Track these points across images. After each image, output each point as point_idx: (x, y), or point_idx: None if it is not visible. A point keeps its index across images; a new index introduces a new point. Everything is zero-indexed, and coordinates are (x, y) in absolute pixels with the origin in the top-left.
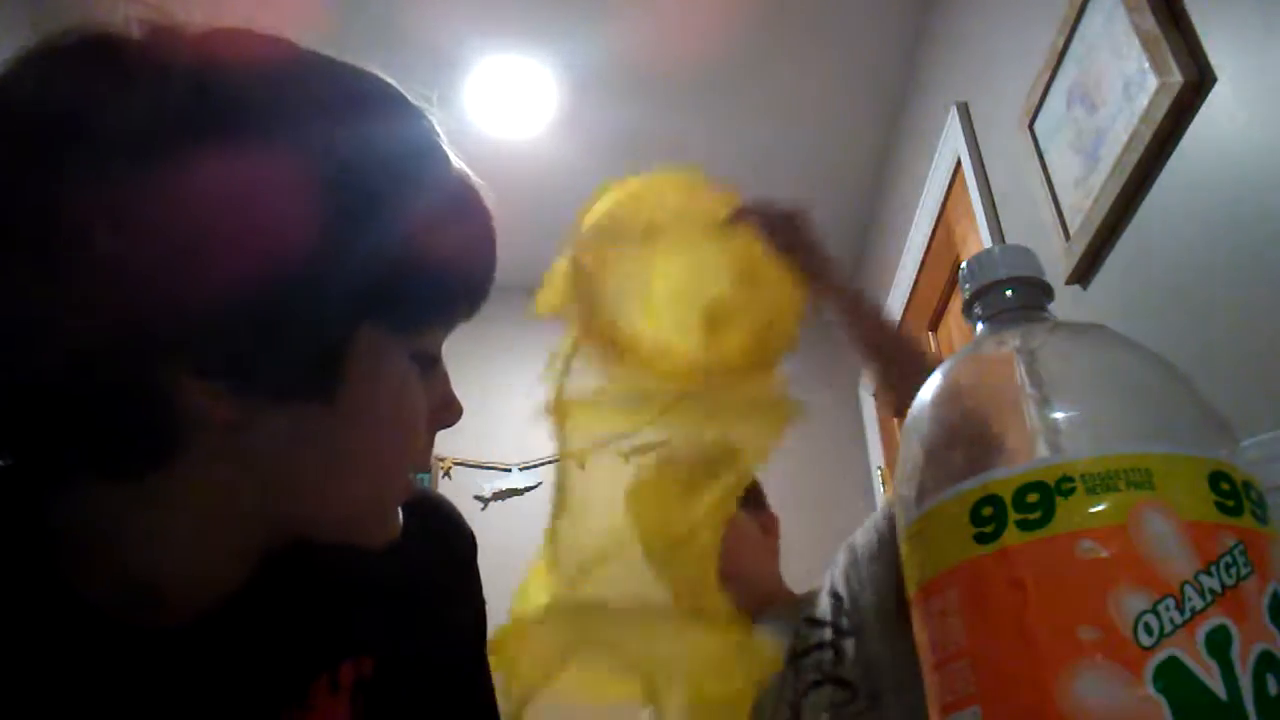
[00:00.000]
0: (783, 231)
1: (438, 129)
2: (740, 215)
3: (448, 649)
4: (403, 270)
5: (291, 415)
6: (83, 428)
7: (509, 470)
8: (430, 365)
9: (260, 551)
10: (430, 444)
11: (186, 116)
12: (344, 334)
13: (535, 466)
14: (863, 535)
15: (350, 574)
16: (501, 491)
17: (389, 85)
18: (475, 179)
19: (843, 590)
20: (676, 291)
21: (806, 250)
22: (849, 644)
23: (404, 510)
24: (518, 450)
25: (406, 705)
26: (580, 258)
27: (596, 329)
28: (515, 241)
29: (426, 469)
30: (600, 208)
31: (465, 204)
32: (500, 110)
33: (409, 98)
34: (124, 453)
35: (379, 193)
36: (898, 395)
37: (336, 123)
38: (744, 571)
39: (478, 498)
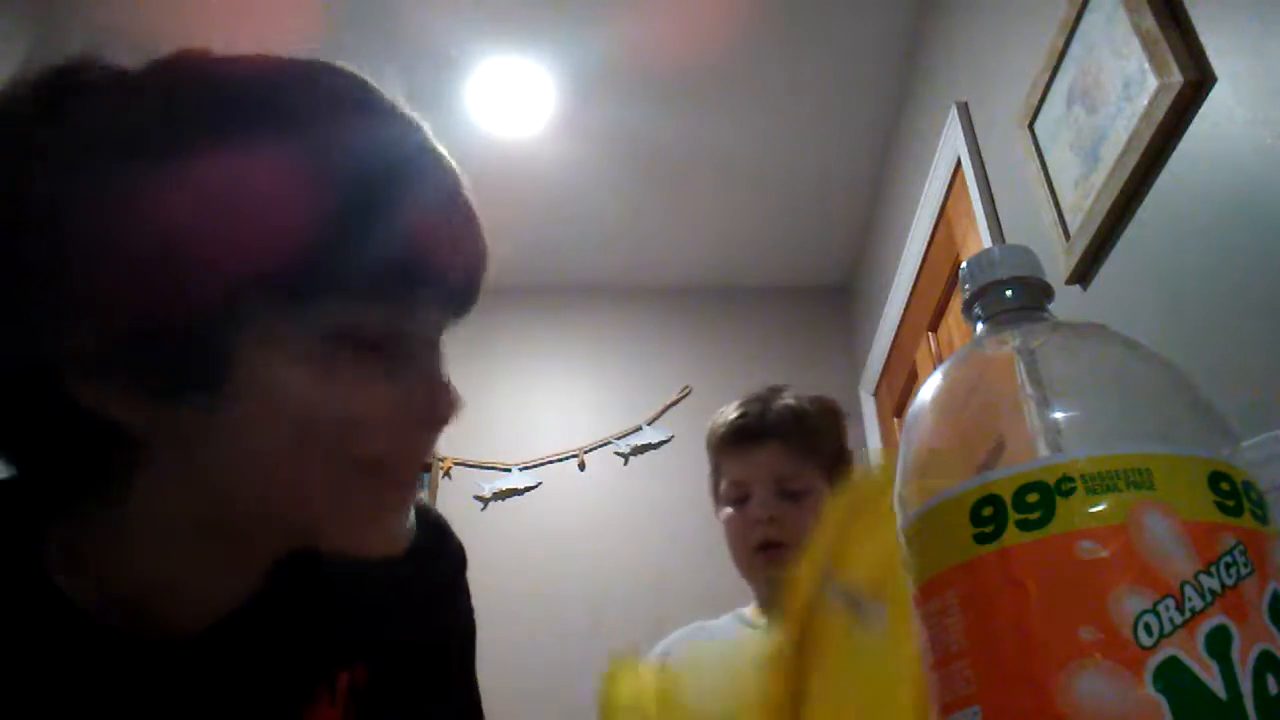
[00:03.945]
0: None
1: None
2: None
3: (436, 660)
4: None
5: (207, 418)
6: (34, 449)
7: (509, 470)
8: (404, 355)
9: (262, 564)
10: (427, 442)
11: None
12: (226, 326)
13: (535, 466)
14: None
15: (344, 584)
16: (501, 491)
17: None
18: (428, 146)
19: None
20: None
21: None
22: None
23: None
24: (518, 450)
25: (396, 715)
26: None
27: None
28: (515, 241)
29: (425, 469)
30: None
31: (419, 167)
32: (500, 110)
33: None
34: (71, 470)
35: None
36: None
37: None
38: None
39: (478, 498)
